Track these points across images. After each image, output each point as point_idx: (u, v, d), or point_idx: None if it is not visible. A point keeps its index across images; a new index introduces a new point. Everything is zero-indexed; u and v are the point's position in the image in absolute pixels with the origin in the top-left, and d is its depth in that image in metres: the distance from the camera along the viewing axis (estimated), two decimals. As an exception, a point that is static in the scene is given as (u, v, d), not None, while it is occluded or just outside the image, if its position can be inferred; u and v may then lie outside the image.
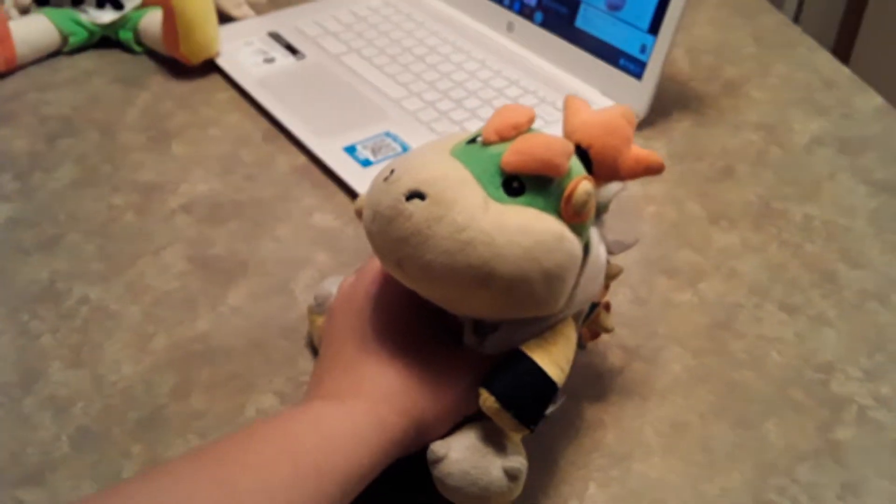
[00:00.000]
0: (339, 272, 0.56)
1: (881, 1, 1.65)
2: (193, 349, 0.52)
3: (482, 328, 0.43)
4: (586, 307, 0.45)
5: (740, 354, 0.53)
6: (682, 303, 0.56)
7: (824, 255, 0.60)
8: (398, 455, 0.40)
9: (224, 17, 0.82)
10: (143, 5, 0.79)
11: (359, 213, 0.44)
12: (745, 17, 0.90)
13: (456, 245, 0.37)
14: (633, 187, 0.65)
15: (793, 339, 0.54)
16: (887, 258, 0.60)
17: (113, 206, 0.63)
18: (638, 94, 0.71)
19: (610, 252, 0.44)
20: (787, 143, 0.72)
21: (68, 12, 0.80)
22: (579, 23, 0.75)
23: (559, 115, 0.71)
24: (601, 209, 0.44)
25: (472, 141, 0.41)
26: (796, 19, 1.78)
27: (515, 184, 0.39)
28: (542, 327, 0.41)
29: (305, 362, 0.51)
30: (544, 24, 0.78)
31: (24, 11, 0.80)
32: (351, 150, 0.67)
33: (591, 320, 0.48)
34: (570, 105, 0.44)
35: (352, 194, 0.64)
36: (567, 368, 0.41)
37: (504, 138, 0.40)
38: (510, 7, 0.81)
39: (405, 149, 0.67)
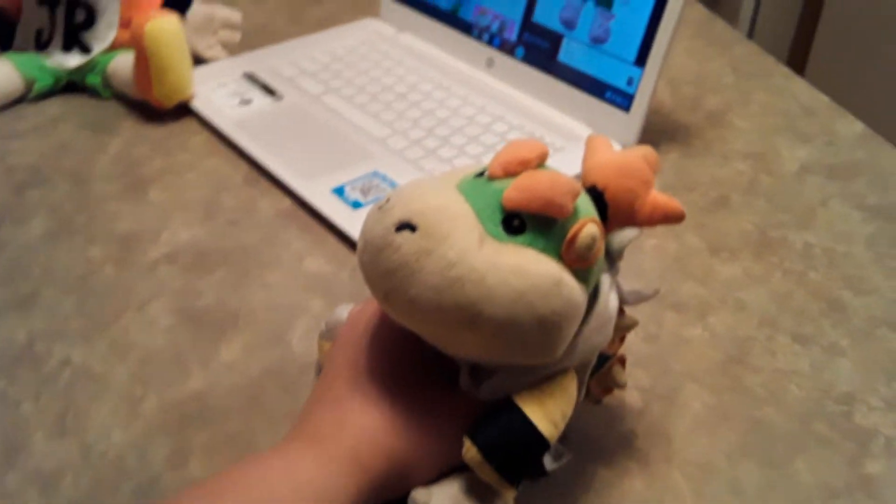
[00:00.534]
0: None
1: (834, 11, 1.69)
2: (187, 411, 0.48)
3: (479, 372, 0.40)
4: (593, 359, 0.42)
5: (758, 390, 0.51)
6: (692, 338, 0.55)
7: (828, 282, 0.59)
8: (378, 500, 0.38)
9: (196, 59, 0.80)
10: (112, 48, 0.76)
11: None
12: (720, 47, 0.91)
13: (444, 282, 0.35)
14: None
15: (809, 371, 0.53)
16: (892, 283, 0.60)
17: (90, 258, 0.59)
18: (626, 126, 0.71)
19: (625, 303, 0.42)
20: (776, 171, 0.71)
21: (33, 57, 0.76)
22: (562, 57, 0.74)
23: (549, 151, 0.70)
24: (615, 256, 0.42)
25: (481, 174, 0.39)
26: (750, 33, 1.81)
27: (516, 222, 0.37)
28: (541, 376, 0.39)
29: (309, 418, 0.48)
30: (526, 59, 0.77)
31: (-16, 58, 0.76)
32: (339, 191, 0.65)
33: (603, 374, 0.45)
34: (590, 145, 0.43)
35: (343, 238, 0.61)
36: (562, 424, 0.38)
37: (510, 174, 0.38)
38: (490, 43, 0.80)
39: (395, 189, 0.65)
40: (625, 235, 0.42)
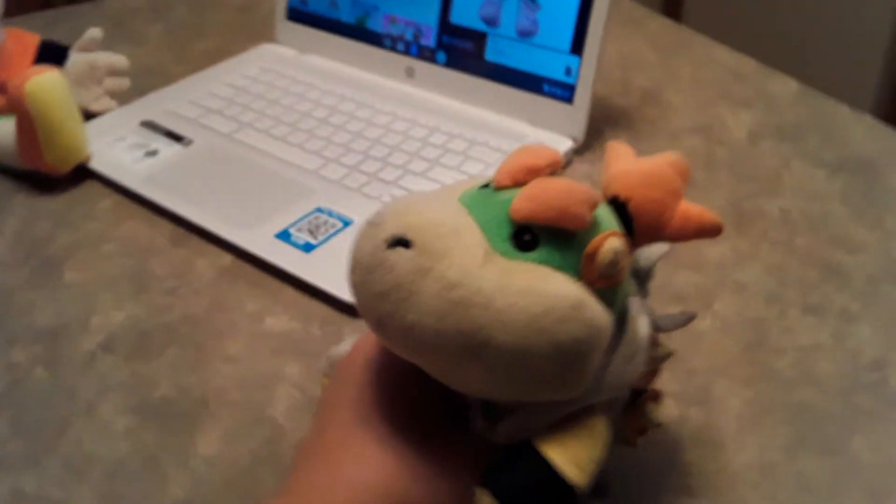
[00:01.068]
0: (315, 382, 0.47)
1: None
2: (176, 523, 0.41)
3: (493, 411, 0.35)
4: (624, 394, 0.37)
5: (789, 372, 0.48)
6: (705, 330, 0.51)
7: (817, 246, 0.57)
8: None
9: (85, 114, 0.71)
10: (-15, 118, 0.66)
11: None
12: (634, 26, 0.88)
13: (445, 305, 0.31)
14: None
15: (832, 343, 0.50)
16: (877, 236, 0.58)
17: (13, 364, 0.50)
18: (571, 118, 0.67)
19: (658, 329, 0.38)
20: (728, 141, 0.69)
21: None
22: (490, 56, 0.70)
23: (497, 157, 0.65)
24: (644, 275, 0.37)
25: (486, 186, 0.34)
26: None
27: (527, 236, 0.32)
28: (564, 415, 0.34)
29: None
30: (449, 64, 0.72)
31: None
32: (284, 236, 0.58)
33: (636, 412, 0.40)
34: (610, 152, 0.38)
35: (302, 286, 0.55)
36: (590, 469, 0.33)
37: (518, 183, 0.33)
38: (406, 52, 0.75)
39: (346, 223, 0.59)
40: (653, 251, 0.37)
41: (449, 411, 0.36)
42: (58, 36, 0.71)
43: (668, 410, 0.45)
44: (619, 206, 0.36)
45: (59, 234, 0.61)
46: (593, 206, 0.33)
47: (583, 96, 0.66)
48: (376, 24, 0.76)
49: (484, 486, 0.33)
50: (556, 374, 0.32)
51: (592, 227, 0.33)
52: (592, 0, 0.64)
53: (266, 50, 0.83)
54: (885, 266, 0.55)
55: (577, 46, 0.65)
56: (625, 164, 0.37)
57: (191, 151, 0.68)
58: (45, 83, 0.62)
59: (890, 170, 0.64)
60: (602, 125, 0.71)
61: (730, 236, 0.58)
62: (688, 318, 0.39)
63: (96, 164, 0.66)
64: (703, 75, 0.79)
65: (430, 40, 0.73)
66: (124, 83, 0.75)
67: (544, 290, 0.31)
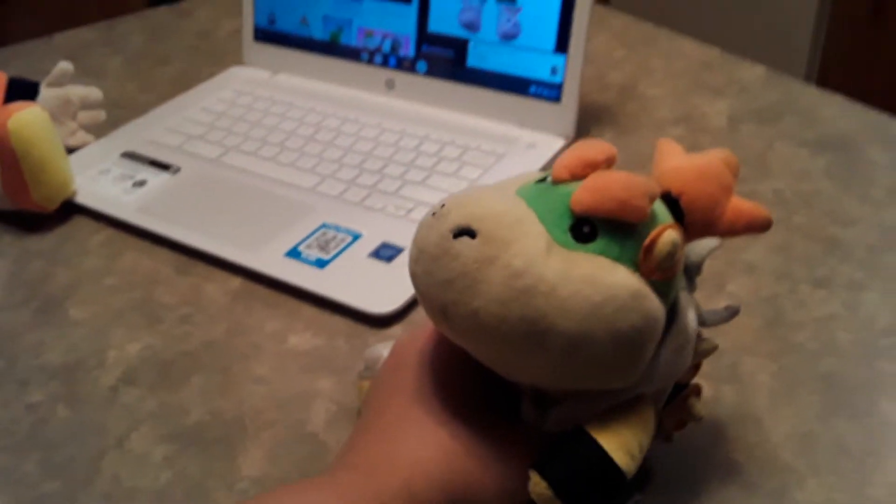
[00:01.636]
0: (350, 395, 0.47)
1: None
2: (234, 549, 0.40)
3: (544, 401, 0.36)
4: (670, 385, 0.38)
5: (811, 344, 0.50)
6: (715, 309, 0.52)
7: (815, 222, 0.59)
8: None
9: (64, 150, 0.69)
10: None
11: None
12: (597, 25, 0.90)
13: (509, 293, 0.32)
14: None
15: (846, 313, 0.52)
16: (868, 208, 0.60)
17: (32, 404, 0.49)
18: (561, 116, 0.68)
19: (703, 324, 0.39)
20: (710, 128, 0.71)
21: None
22: (472, 62, 0.71)
23: (492, 160, 0.66)
24: (693, 270, 0.38)
25: (542, 181, 0.35)
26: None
27: (586, 228, 0.33)
28: (613, 404, 0.35)
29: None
30: (431, 73, 0.73)
31: None
32: (294, 254, 0.57)
33: (677, 405, 0.41)
34: (661, 148, 0.39)
35: (318, 302, 0.54)
36: (639, 456, 0.35)
37: (576, 177, 0.34)
38: (384, 64, 0.75)
39: (355, 237, 0.58)
40: (704, 246, 0.38)
41: (500, 400, 0.37)
42: (12, 74, 0.69)
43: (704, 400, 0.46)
44: (671, 201, 0.37)
45: (55, 272, 0.59)
46: (653, 198, 0.34)
47: (571, 94, 0.67)
48: (351, 39, 0.76)
49: (536, 469, 0.34)
50: (614, 361, 0.33)
51: (650, 221, 0.34)
52: (574, -1, 0.65)
53: (236, 73, 0.83)
54: (880, 235, 0.57)
55: (562, 45, 0.66)
56: (677, 159, 0.38)
57: (180, 179, 0.67)
58: (28, 119, 0.61)
59: (867, 144, 0.67)
60: (586, 122, 0.72)
61: (729, 219, 0.60)
62: (732, 314, 0.40)
63: (83, 199, 0.65)
64: (674, 67, 0.81)
65: (408, 50, 0.73)
66: (100, 116, 0.74)
67: (605, 280, 0.32)
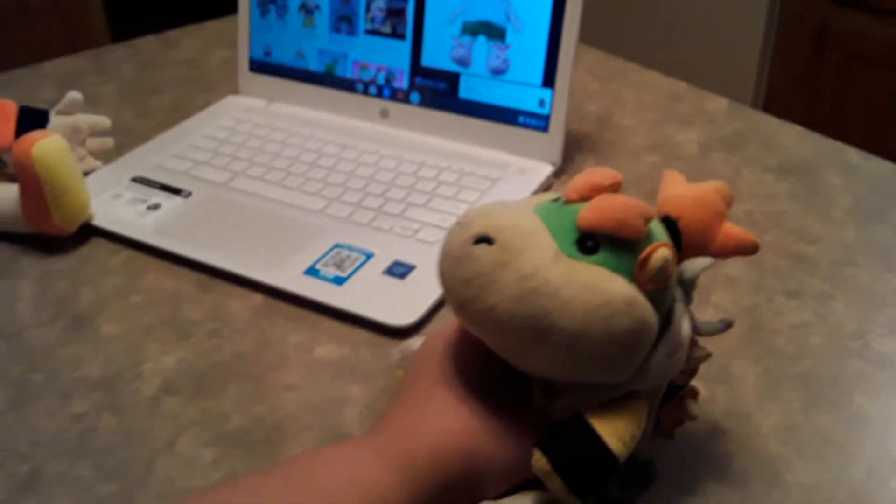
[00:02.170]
0: (380, 398, 0.51)
1: None
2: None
3: (552, 390, 0.42)
4: (663, 385, 0.44)
5: (788, 348, 0.56)
6: (709, 320, 0.58)
7: (783, 240, 0.66)
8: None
9: (77, 175, 0.72)
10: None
11: None
12: (572, 59, 0.96)
13: (519, 292, 0.37)
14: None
15: (816, 321, 0.58)
16: (829, 228, 0.67)
17: (77, 414, 0.51)
18: (548, 145, 0.73)
19: (698, 333, 0.44)
20: (683, 156, 0.77)
21: None
22: (464, 94, 0.76)
23: (487, 184, 0.71)
24: (688, 286, 0.43)
25: (556, 200, 0.41)
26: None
27: (590, 242, 0.39)
28: (612, 397, 0.40)
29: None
30: (424, 104, 0.78)
31: None
32: (313, 272, 0.61)
33: (675, 406, 0.46)
34: (666, 178, 0.45)
35: (339, 316, 0.58)
36: (631, 445, 0.40)
37: (584, 198, 0.40)
38: (379, 95, 0.80)
39: (368, 256, 0.63)
40: (698, 264, 0.43)
41: (513, 388, 0.43)
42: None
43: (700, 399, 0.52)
44: (670, 223, 0.42)
45: (80, 291, 0.62)
46: (648, 219, 0.39)
47: (557, 125, 0.73)
48: (346, 71, 0.81)
49: (539, 447, 0.39)
50: (609, 358, 0.39)
51: (646, 238, 0.39)
52: (560, 37, 0.71)
53: (233, 102, 0.86)
54: (841, 251, 0.64)
55: (549, 80, 0.72)
56: (678, 188, 0.43)
57: (193, 202, 0.70)
58: (50, 146, 0.64)
59: (824, 169, 0.74)
60: (569, 150, 0.78)
61: (707, 238, 0.66)
62: (726, 326, 0.45)
63: (100, 222, 0.68)
64: (645, 99, 0.87)
65: (402, 83, 0.78)
66: (108, 142, 0.77)
67: (603, 286, 0.38)
